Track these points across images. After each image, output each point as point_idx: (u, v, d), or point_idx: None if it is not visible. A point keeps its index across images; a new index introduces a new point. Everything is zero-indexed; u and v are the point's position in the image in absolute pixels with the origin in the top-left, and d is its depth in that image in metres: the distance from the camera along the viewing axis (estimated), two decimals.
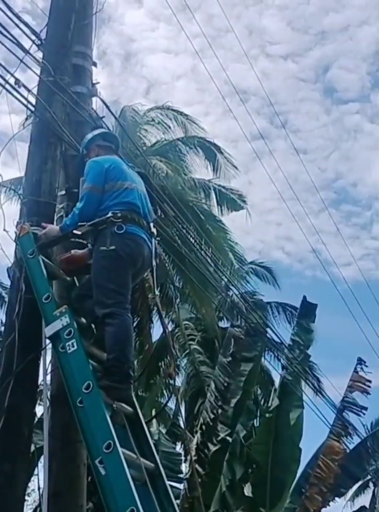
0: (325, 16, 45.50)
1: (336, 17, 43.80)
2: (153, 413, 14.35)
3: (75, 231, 4.93)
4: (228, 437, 11.49)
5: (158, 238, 5.27)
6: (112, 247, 4.72)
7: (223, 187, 16.80)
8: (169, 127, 16.47)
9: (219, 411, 11.92)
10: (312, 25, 45.67)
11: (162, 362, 15.19)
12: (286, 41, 44.00)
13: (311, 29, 47.29)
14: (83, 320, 4.97)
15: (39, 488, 4.85)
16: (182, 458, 13.52)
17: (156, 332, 15.01)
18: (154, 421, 13.69)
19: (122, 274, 4.77)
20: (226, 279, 11.27)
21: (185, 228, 9.59)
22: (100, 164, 5.05)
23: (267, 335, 11.44)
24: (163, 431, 14.34)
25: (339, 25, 44.30)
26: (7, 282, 6.10)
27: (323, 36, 47.74)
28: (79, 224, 4.90)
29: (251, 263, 19.04)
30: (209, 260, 11.03)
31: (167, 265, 13.05)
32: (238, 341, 12.29)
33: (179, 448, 15.53)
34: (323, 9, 44.50)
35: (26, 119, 5.63)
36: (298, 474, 12.58)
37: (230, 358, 12.38)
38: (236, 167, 16.62)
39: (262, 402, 12.98)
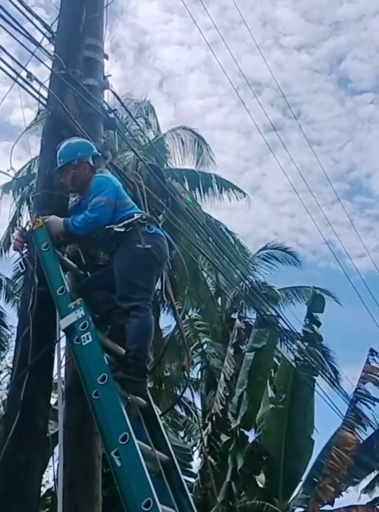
0: (339, 6, 45.04)
1: (350, 7, 43.24)
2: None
3: (116, 229, 4.92)
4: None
5: None
6: (148, 246, 4.84)
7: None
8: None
9: (229, 402, 11.96)
10: (326, 15, 45.14)
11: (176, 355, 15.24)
12: (300, 32, 43.45)
13: (325, 20, 46.72)
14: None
15: (54, 479, 4.87)
16: (191, 452, 13.54)
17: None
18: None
19: (151, 272, 4.90)
20: (238, 271, 11.24)
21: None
22: (111, 181, 5.16)
23: (279, 325, 11.41)
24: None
25: (353, 15, 43.75)
26: None
27: (338, 26, 47.24)
28: (107, 227, 4.93)
29: (265, 248, 18.98)
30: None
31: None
32: (241, 332, 12.34)
33: (182, 435, 15.63)
34: None
35: (38, 113, 5.59)
36: (311, 465, 12.61)
37: (234, 349, 12.44)
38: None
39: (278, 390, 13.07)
